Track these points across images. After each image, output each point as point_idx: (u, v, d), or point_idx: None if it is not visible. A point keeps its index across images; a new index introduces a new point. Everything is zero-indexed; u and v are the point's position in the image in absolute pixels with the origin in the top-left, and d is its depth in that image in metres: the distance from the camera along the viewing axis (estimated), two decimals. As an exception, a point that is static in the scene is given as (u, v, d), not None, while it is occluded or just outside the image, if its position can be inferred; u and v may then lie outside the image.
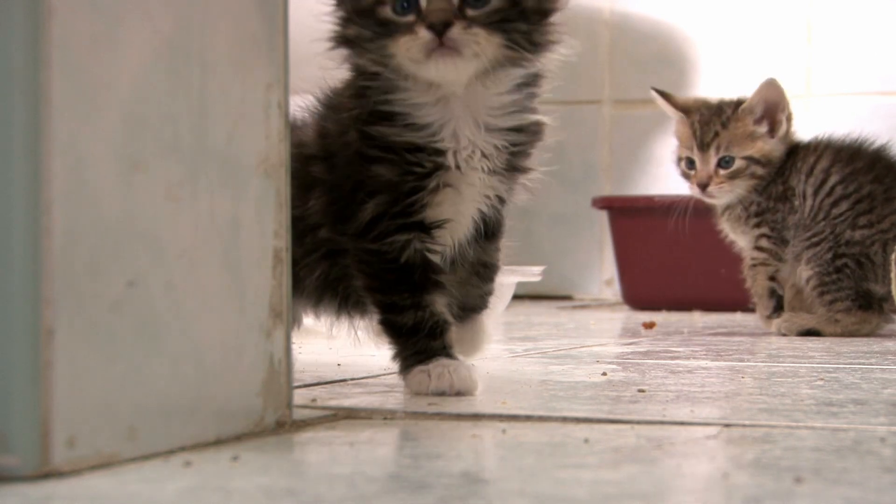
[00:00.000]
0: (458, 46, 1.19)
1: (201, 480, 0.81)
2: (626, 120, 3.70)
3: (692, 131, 2.29)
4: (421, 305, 1.26)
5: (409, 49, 1.20)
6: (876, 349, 1.88)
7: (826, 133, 2.33)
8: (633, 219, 3.21)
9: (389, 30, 1.21)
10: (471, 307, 1.41)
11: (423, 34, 1.19)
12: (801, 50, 3.52)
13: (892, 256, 2.01)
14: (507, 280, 2.28)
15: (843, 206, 2.20)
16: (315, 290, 1.39)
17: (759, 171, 2.25)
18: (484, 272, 1.40)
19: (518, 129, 1.29)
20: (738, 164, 2.25)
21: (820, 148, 2.26)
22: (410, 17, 1.20)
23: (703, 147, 2.27)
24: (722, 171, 2.25)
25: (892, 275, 1.99)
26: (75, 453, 0.83)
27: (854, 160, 2.23)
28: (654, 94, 2.36)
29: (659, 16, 3.66)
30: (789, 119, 2.29)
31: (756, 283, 2.29)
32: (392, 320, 1.28)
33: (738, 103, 2.29)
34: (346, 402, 1.20)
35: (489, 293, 1.43)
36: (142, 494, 0.77)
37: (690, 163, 2.30)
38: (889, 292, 2.15)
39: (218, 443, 0.95)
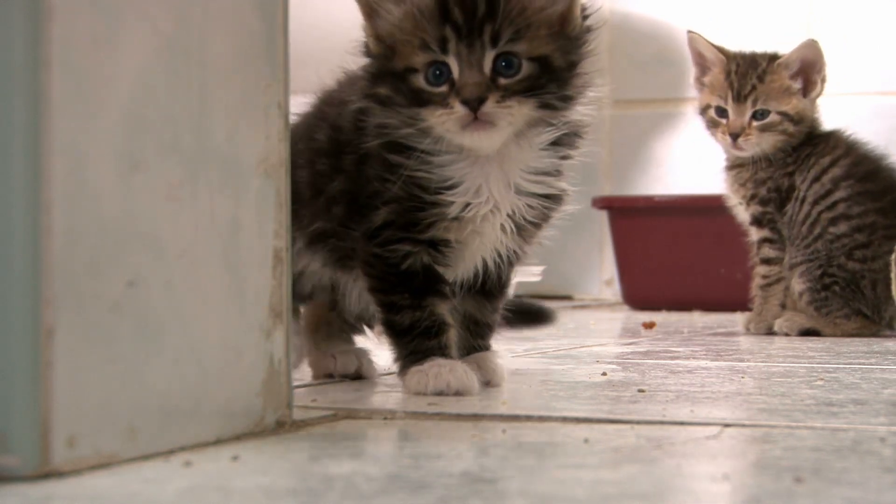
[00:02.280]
0: (493, 119, 1.18)
1: (201, 480, 0.81)
2: (625, 120, 3.71)
3: (728, 82, 2.27)
4: (420, 306, 1.26)
5: (444, 122, 1.19)
6: (876, 349, 1.88)
7: (850, 131, 2.29)
8: (633, 219, 3.21)
9: (422, 99, 1.20)
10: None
11: (458, 109, 1.18)
12: (801, 50, 3.51)
13: (892, 257, 2.00)
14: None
15: (843, 227, 2.16)
16: (311, 236, 1.37)
17: (791, 128, 2.23)
18: (475, 329, 1.36)
19: (547, 196, 1.28)
20: (772, 117, 2.23)
21: (838, 151, 2.23)
22: (443, 88, 1.19)
23: (740, 98, 2.25)
24: (755, 123, 2.24)
25: (893, 274, 1.98)
26: (75, 453, 0.83)
27: (868, 180, 2.19)
28: (693, 35, 2.33)
29: (659, 16, 3.66)
30: (823, 81, 2.27)
31: (768, 304, 2.25)
32: (391, 320, 1.28)
33: (772, 57, 2.27)
34: (346, 403, 1.20)
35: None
36: (142, 494, 0.77)
37: (721, 112, 2.28)
38: (887, 313, 2.15)
39: (218, 443, 0.95)
